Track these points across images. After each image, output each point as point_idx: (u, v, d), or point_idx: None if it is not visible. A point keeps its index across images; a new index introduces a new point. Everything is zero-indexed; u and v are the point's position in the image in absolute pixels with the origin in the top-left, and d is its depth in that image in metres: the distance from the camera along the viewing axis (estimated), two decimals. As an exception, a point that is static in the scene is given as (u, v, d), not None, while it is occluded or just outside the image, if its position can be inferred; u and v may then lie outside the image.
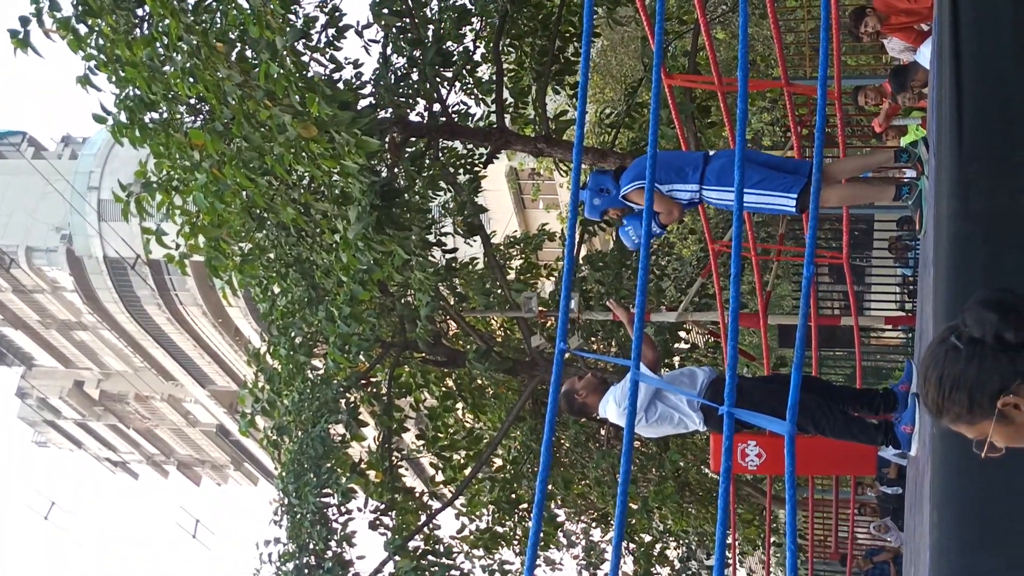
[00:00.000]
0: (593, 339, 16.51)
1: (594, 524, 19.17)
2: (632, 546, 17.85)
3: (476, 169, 13.85)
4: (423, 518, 14.87)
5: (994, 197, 3.68)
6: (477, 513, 16.34)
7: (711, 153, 6.38)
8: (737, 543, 17.51)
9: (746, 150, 4.61)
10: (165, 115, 10.23)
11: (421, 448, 16.38)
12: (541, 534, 16.32)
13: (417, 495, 15.52)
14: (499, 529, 16.16)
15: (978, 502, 3.54)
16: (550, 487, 16.73)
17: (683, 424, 6.28)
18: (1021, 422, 2.03)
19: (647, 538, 17.87)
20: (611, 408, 6.28)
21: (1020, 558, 3.40)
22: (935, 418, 2.15)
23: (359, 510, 14.34)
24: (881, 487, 12.24)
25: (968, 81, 3.76)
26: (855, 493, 12.66)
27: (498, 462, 17.10)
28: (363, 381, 14.75)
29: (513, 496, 16.21)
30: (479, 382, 16.34)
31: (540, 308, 13.76)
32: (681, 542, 18.85)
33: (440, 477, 16.25)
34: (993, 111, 3.76)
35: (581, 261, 15.92)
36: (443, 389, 16.30)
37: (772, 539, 13.92)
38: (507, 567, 15.18)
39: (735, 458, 9.07)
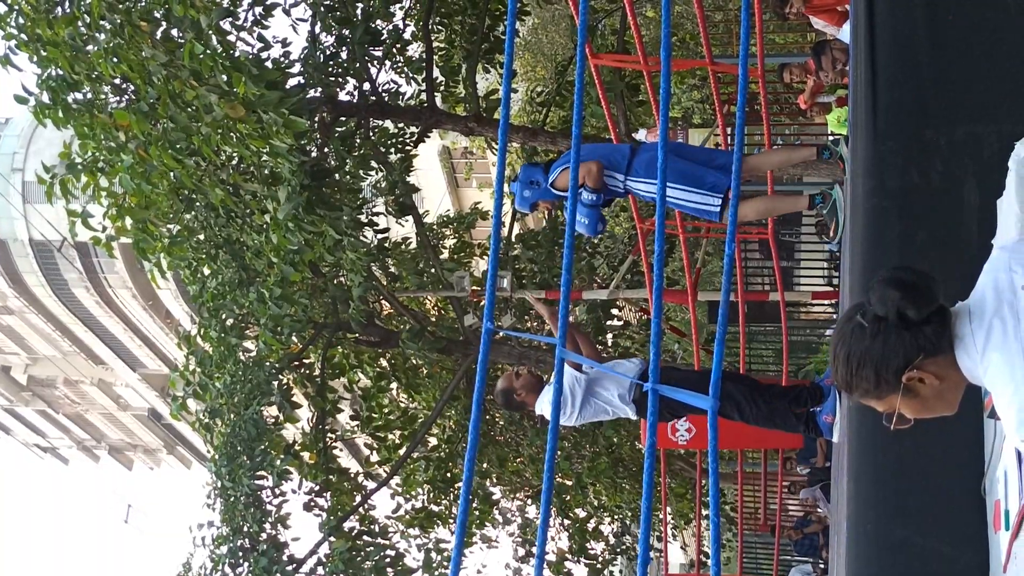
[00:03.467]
0: (527, 318, 16.57)
1: (530, 501, 19.28)
2: (567, 522, 18.00)
3: (407, 148, 13.81)
4: (358, 499, 14.87)
5: (907, 174, 3.77)
6: (412, 493, 16.37)
7: (640, 145, 6.38)
8: (669, 517, 17.74)
9: (675, 144, 4.68)
10: (89, 96, 10.06)
11: (355, 429, 16.35)
12: (476, 512, 16.42)
13: (352, 476, 15.50)
14: (435, 508, 16.21)
15: (892, 473, 3.64)
16: (485, 465, 16.81)
17: (617, 416, 6.43)
18: (926, 395, 2.10)
19: (582, 514, 18.04)
20: (547, 407, 6.36)
21: (931, 527, 3.51)
22: (846, 393, 2.21)
23: (293, 492, 14.30)
24: (799, 466, 12.48)
25: (882, 62, 3.84)
26: (783, 467, 12.87)
27: (433, 441, 17.13)
28: (296, 362, 14.67)
29: (448, 475, 16.26)
30: (413, 362, 16.32)
31: (473, 288, 13.80)
32: (615, 517, 19.03)
33: (375, 457, 16.24)
34: (906, 91, 3.85)
35: (513, 240, 15.95)
36: (377, 369, 16.27)
37: (703, 513, 14.14)
38: (443, 545, 15.23)
39: (665, 433, 9.22)
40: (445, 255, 16.69)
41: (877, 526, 3.59)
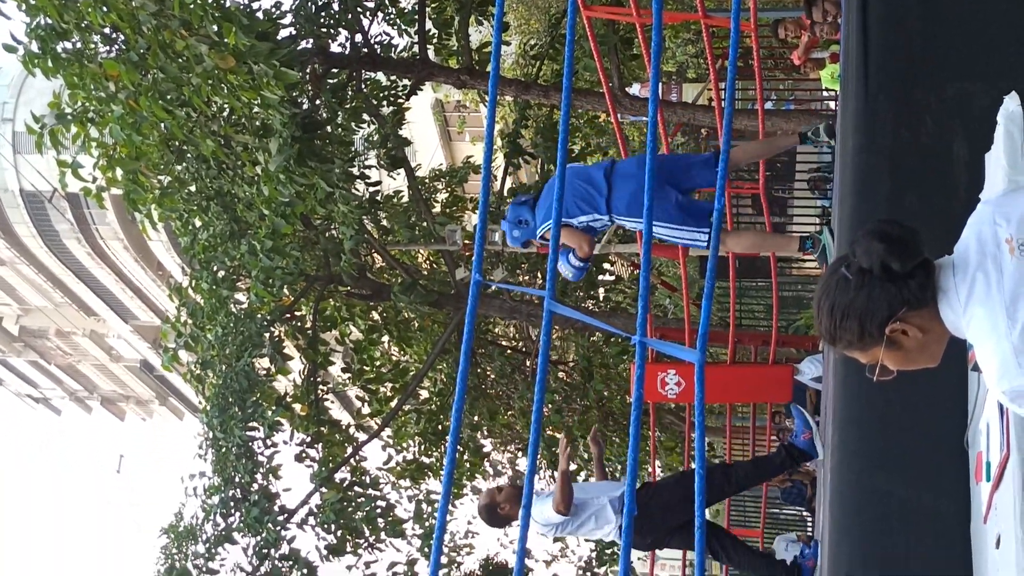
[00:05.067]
0: (518, 271, 16.60)
1: (520, 454, 19.41)
2: (556, 474, 18.12)
3: (400, 101, 13.74)
4: (349, 450, 14.96)
5: (897, 132, 3.77)
6: (403, 445, 16.45)
7: (614, 164, 6.22)
8: (658, 470, 17.86)
9: (655, 161, 4.59)
10: (78, 45, 9.99)
11: (347, 381, 16.41)
12: (467, 464, 16.52)
13: (343, 428, 15.58)
14: (425, 460, 16.30)
15: (876, 425, 3.69)
16: (476, 418, 16.89)
17: (605, 526, 6.52)
18: (909, 347, 2.12)
19: (572, 467, 18.15)
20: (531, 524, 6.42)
21: (914, 477, 3.56)
22: (829, 346, 2.23)
23: (285, 443, 14.37)
24: (787, 419, 12.54)
25: (873, 21, 3.83)
26: (772, 420, 12.95)
27: (424, 394, 17.20)
28: (287, 315, 14.70)
29: (439, 428, 16.33)
30: (404, 315, 16.35)
31: (465, 242, 13.80)
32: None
33: (366, 410, 16.31)
34: (896, 51, 3.85)
35: (505, 194, 15.93)
36: (369, 322, 16.30)
37: (691, 466, 14.21)
38: (433, 497, 15.35)
39: (656, 386, 9.26)
40: (437, 209, 16.67)
41: (860, 476, 3.64)
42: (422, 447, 16.40)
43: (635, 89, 15.82)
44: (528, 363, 17.11)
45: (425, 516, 14.91)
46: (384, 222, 15.89)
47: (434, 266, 17.68)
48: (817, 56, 11.31)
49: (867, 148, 3.93)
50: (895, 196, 3.76)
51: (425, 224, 14.98)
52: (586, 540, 6.09)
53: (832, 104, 12.62)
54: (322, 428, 14.72)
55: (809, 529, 14.25)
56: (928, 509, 3.43)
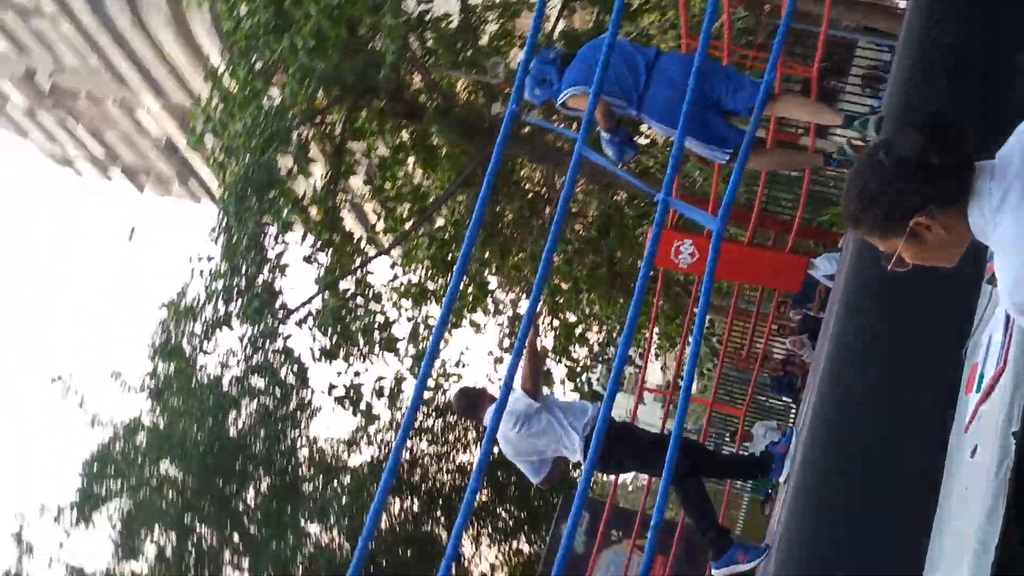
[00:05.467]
0: (554, 117, 16.42)
1: (524, 297, 19.57)
2: (556, 323, 18.31)
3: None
4: (358, 262, 15.08)
5: (961, 31, 3.67)
6: (411, 267, 16.58)
7: (659, 56, 5.71)
8: (656, 337, 18.03)
9: (698, 79, 4.32)
10: None
11: (366, 195, 16.43)
12: (470, 296, 16.65)
13: (355, 240, 15.67)
14: (430, 286, 16.45)
15: (877, 326, 3.70)
16: (487, 254, 16.96)
17: (562, 444, 6.09)
18: (930, 242, 2.10)
19: (572, 318, 18.33)
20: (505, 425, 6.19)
21: (904, 378, 3.58)
22: (851, 228, 2.21)
23: (296, 244, 14.49)
24: (792, 310, 12.60)
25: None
26: (776, 309, 13.01)
27: (440, 222, 17.24)
28: (318, 118, 14.62)
29: (449, 257, 16.42)
30: (434, 140, 16.26)
31: (507, 77, 13.61)
32: (603, 328, 19.36)
33: (381, 226, 16.38)
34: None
35: (556, 36, 15.63)
36: (397, 141, 16.22)
37: (688, 339, 14.36)
38: (431, 322, 15.54)
39: (669, 252, 9.25)
40: (484, 40, 16.38)
41: (853, 371, 3.66)
42: (429, 272, 16.52)
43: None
44: (547, 210, 17.08)
45: (420, 338, 15.13)
46: (429, 44, 15.63)
47: (472, 97, 17.47)
48: None
49: (926, 43, 3.82)
50: (950, 95, 3.68)
51: (470, 53, 14.75)
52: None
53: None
54: (334, 236, 14.81)
55: (791, 420, 14.46)
56: (910, 409, 3.46)
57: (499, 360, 18.06)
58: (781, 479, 6.14)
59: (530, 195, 17.74)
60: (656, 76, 5.59)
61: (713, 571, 5.91)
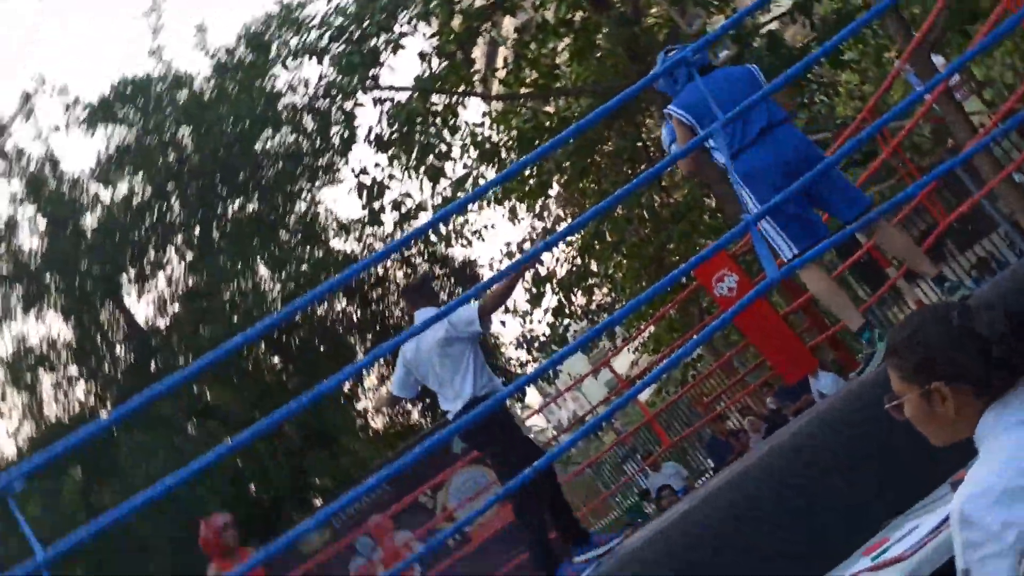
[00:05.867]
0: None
1: (569, 220, 19.55)
2: (578, 261, 18.25)
3: None
4: (461, 88, 14.97)
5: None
6: (500, 127, 16.53)
7: (778, 125, 5.16)
8: (648, 332, 18.04)
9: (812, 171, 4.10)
10: None
11: (509, 40, 16.31)
12: (528, 185, 16.50)
13: (471, 69, 15.52)
14: (503, 154, 16.41)
15: (840, 447, 3.69)
16: (566, 163, 16.86)
17: (448, 386, 5.80)
18: (936, 412, 2.09)
19: (594, 267, 18.28)
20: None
21: (816, 516, 3.60)
22: (886, 355, 2.21)
23: (422, 35, 14.39)
24: (770, 396, 12.55)
25: None
26: (762, 384, 12.96)
27: (551, 108, 17.09)
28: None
29: (536, 143, 16.34)
30: (598, 39, 16.07)
31: (697, 32, 13.37)
32: (613, 295, 19.36)
33: (501, 74, 16.29)
34: None
35: (760, 32, 15.37)
36: (568, 16, 16.06)
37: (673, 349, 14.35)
38: (481, 181, 15.53)
39: (712, 274, 9.13)
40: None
41: (772, 488, 3.66)
42: (511, 142, 16.44)
43: (938, 60, 15.01)
44: (643, 166, 16.94)
45: (464, 187, 15.09)
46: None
47: (656, 27, 17.23)
48: None
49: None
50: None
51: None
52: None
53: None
54: (458, 52, 14.68)
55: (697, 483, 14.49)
56: (806, 535, 3.49)
57: (509, 256, 18.07)
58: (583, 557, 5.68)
59: (640, 143, 17.58)
60: (767, 140, 5.13)
61: (575, 557, 5.70)
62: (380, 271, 19.68)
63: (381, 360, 19.41)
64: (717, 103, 4.79)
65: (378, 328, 18.74)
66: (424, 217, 16.03)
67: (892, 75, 12.48)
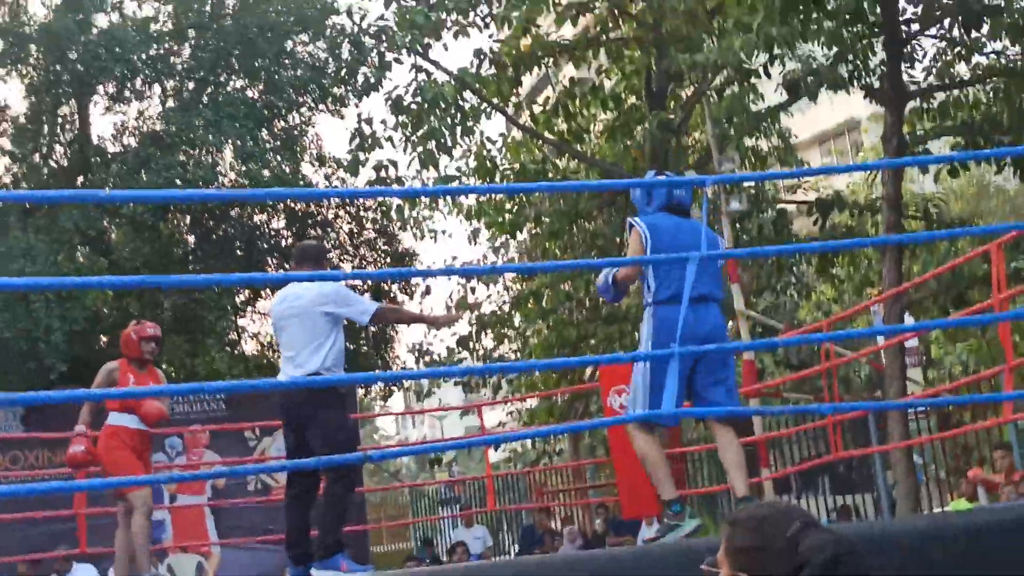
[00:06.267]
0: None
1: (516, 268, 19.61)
2: (508, 300, 18.26)
3: None
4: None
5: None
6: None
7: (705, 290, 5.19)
8: (525, 407, 18.08)
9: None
10: None
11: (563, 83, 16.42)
12: (502, 216, 16.55)
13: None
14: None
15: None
16: (548, 219, 16.94)
17: (294, 358, 5.83)
18: None
19: (517, 320, 18.28)
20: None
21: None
22: (729, 521, 2.25)
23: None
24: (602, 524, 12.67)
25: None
26: (596, 507, 13.06)
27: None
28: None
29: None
30: (634, 120, 16.27)
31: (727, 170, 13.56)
32: (517, 351, 19.41)
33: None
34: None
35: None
36: (622, 87, 16.26)
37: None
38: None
39: (612, 383, 9.17)
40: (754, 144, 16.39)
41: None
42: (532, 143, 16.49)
43: (908, 318, 15.34)
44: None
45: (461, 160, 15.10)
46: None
47: (694, 139, 17.49)
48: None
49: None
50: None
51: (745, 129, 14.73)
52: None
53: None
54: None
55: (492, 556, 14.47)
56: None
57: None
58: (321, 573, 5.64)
59: (619, 239, 17.68)
60: (698, 308, 5.18)
61: (313, 570, 5.69)
62: (329, 215, 19.61)
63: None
64: (677, 245, 5.04)
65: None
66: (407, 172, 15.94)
67: (862, 306, 12.78)
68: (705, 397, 5.27)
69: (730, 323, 15.75)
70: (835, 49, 12.41)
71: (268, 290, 19.66)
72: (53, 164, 18.44)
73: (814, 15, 11.60)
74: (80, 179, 17.81)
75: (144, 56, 17.89)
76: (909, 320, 13.36)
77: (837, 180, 23.47)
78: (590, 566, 3.91)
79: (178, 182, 15.93)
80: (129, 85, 18.31)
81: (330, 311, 5.80)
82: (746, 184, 15.61)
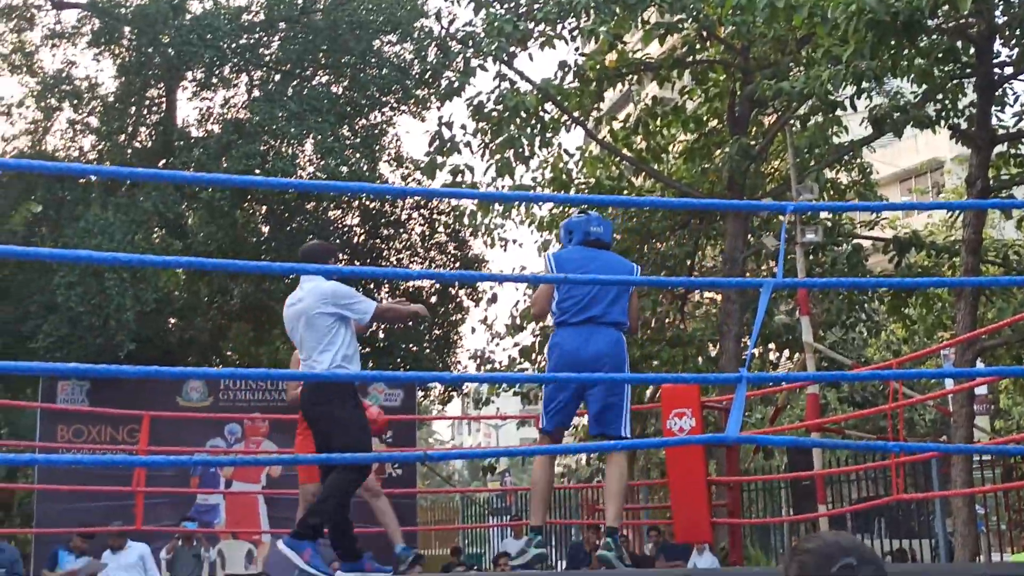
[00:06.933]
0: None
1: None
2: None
3: None
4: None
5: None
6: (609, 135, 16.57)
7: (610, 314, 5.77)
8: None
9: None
10: None
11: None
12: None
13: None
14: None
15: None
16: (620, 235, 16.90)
17: (312, 351, 5.88)
18: None
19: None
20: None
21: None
22: (785, 559, 2.27)
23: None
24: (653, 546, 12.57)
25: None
26: (648, 530, 12.96)
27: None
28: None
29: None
30: (715, 142, 16.16)
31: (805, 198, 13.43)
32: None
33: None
34: None
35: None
36: (703, 109, 16.19)
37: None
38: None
39: (674, 405, 9.11)
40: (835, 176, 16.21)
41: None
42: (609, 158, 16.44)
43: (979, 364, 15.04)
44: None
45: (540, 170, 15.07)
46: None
47: (773, 170, 17.34)
48: None
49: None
50: None
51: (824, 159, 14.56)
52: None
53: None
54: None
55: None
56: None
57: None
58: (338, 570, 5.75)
59: (690, 261, 17.55)
60: (583, 330, 5.70)
61: (280, 543, 5.77)
62: (403, 216, 19.72)
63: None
64: (584, 273, 5.56)
65: (368, 262, 18.75)
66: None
67: (934, 349, 12.58)
68: (592, 407, 5.77)
69: (796, 355, 15.70)
70: (924, 87, 12.26)
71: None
72: (137, 145, 18.76)
73: (906, 51, 11.46)
74: (162, 162, 18.11)
75: (234, 45, 18.15)
76: (981, 367, 13.12)
77: (916, 220, 23.13)
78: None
79: (257, 171, 16.12)
80: (217, 72, 18.57)
81: (330, 311, 5.84)
82: (822, 216, 15.45)
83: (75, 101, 18.19)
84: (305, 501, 6.67)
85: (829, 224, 15.81)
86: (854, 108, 12.49)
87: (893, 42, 10.99)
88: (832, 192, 16.56)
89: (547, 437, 5.90)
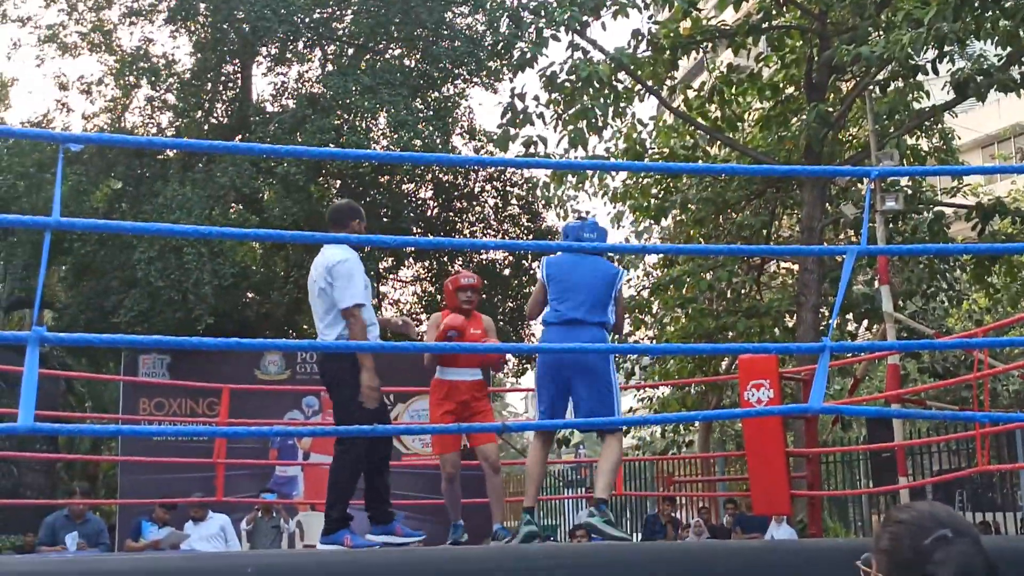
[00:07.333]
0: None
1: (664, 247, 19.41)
2: (645, 285, 18.12)
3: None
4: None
5: None
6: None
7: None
8: (656, 397, 17.84)
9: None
10: None
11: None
12: (649, 199, 16.40)
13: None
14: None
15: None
16: (696, 206, 16.72)
17: (324, 318, 5.81)
18: None
19: (654, 304, 18.14)
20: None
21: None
22: (877, 528, 2.20)
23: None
24: (730, 518, 12.50)
25: None
26: (726, 503, 12.89)
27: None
28: None
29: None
30: (793, 108, 15.89)
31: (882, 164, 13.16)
32: (649, 336, 19.27)
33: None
34: None
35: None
36: (783, 75, 15.94)
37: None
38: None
39: (751, 375, 8.97)
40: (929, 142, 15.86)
41: None
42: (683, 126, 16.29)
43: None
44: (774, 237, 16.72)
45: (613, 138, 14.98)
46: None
47: (852, 134, 17.02)
48: None
49: None
50: None
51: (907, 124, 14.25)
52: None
53: None
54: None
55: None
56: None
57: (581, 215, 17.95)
58: (376, 538, 5.74)
59: (766, 230, 17.33)
60: (564, 330, 5.90)
61: (319, 543, 5.79)
62: (476, 189, 19.73)
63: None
64: (574, 280, 5.93)
65: (442, 235, 18.80)
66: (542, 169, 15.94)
67: (1020, 317, 12.26)
68: (579, 405, 5.91)
69: (875, 326, 15.43)
70: (1009, 49, 11.92)
71: (411, 258, 19.94)
72: (214, 121, 18.97)
73: (989, 12, 11.14)
74: (238, 137, 18.30)
75: (307, 19, 18.24)
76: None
77: (999, 186, 22.57)
78: (723, 557, 3.83)
79: (331, 145, 16.21)
80: (291, 47, 18.70)
81: (322, 286, 5.75)
82: (903, 183, 15.12)
83: (152, 78, 18.41)
84: (446, 472, 6.58)
85: (910, 191, 15.49)
86: (935, 72, 12.19)
87: (977, 3, 10.71)
88: (912, 159, 16.22)
89: (541, 434, 6.24)
